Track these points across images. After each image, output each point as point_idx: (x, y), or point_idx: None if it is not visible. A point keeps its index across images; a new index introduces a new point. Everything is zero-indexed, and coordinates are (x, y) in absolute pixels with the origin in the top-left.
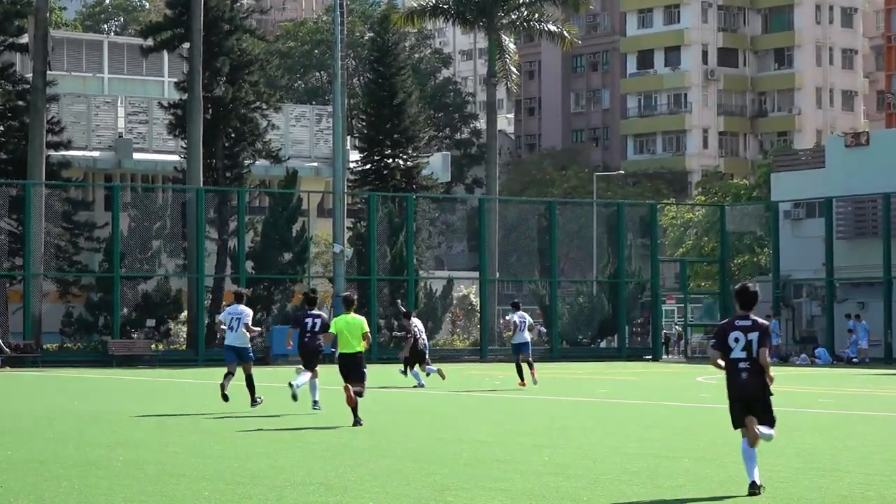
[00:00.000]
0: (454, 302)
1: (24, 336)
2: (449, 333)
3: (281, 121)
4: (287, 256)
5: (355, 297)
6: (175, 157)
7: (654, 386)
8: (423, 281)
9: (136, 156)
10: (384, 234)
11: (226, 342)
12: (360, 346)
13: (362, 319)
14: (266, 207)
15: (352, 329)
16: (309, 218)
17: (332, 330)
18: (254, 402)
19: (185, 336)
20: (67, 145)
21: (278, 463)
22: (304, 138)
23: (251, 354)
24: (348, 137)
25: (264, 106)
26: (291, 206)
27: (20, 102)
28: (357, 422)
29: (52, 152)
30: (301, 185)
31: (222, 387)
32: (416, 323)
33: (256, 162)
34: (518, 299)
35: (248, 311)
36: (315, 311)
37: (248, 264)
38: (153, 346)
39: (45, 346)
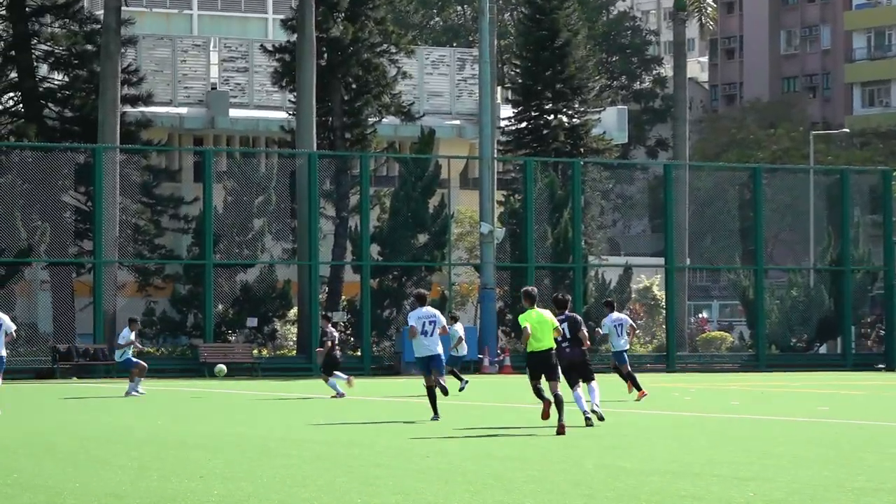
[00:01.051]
0: (633, 296)
1: (94, 339)
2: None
3: (414, 68)
4: (422, 238)
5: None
6: (281, 115)
7: (889, 403)
8: (593, 269)
9: (233, 112)
10: (544, 209)
11: (419, 352)
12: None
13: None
14: (395, 177)
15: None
16: (449, 190)
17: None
18: (436, 415)
19: (294, 339)
20: (147, 100)
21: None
22: (443, 90)
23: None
24: (499, 88)
25: (393, 49)
26: (427, 175)
27: (88, 46)
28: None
29: (128, 108)
30: (439, 149)
31: (434, 409)
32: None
33: (383, 120)
34: (611, 298)
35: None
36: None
37: (374, 249)
38: (255, 351)
39: None
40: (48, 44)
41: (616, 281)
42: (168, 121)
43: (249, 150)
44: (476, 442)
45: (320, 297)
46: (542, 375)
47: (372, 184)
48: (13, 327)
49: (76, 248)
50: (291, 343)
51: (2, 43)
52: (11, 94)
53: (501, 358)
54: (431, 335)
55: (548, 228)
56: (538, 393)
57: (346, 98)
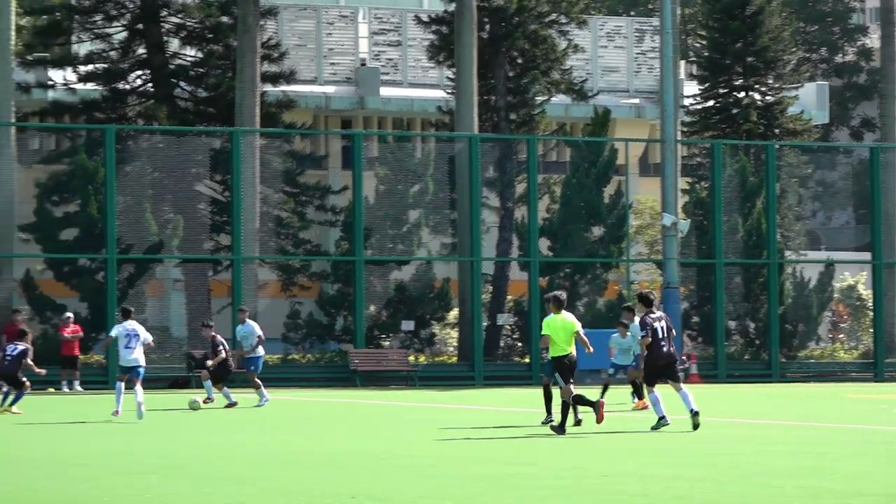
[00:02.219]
0: (836, 296)
1: (233, 344)
2: (829, 340)
3: (587, 40)
4: (597, 231)
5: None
6: (439, 93)
7: None
8: (790, 266)
9: (385, 91)
10: (734, 199)
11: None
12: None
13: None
14: (566, 163)
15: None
16: (627, 177)
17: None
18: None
19: (454, 344)
20: (289, 78)
21: None
22: (620, 65)
23: None
24: (682, 63)
25: (563, 19)
26: (602, 160)
27: (224, 18)
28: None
29: (268, 87)
30: (616, 131)
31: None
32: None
33: (552, 99)
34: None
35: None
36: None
37: (543, 243)
38: (411, 357)
39: None
40: (179, 16)
41: (816, 279)
42: (313, 101)
43: (403, 133)
44: (662, 459)
45: (483, 297)
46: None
47: (540, 170)
48: (150, 338)
49: (212, 244)
50: (451, 349)
51: (128, 15)
52: (140, 73)
53: (687, 365)
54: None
55: (738, 220)
56: (580, 400)
57: (510, 75)
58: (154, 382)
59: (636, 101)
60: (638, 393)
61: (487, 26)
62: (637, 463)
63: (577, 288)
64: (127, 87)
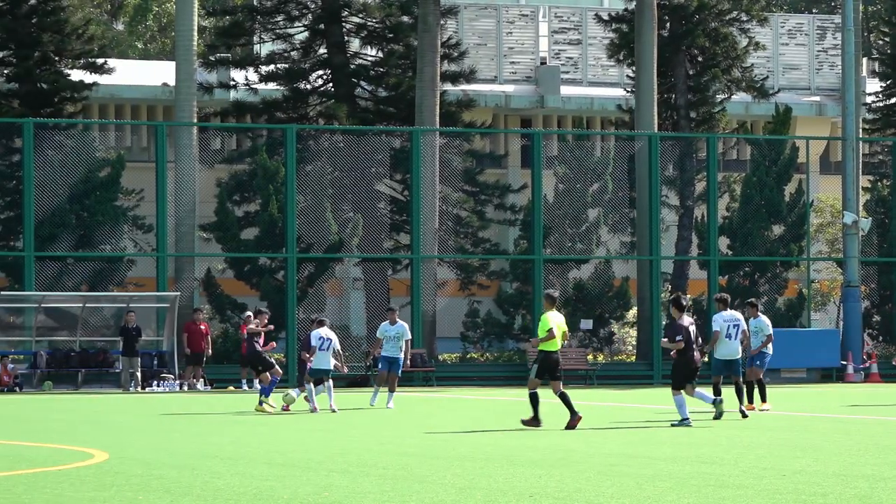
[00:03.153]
0: None
1: (412, 342)
2: None
3: (767, 38)
4: (777, 230)
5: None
6: (618, 92)
7: None
8: None
9: (565, 90)
10: None
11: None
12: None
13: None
14: (747, 161)
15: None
16: (808, 175)
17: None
18: None
19: (633, 343)
20: (469, 77)
21: None
22: (801, 62)
23: None
24: (864, 60)
25: (744, 16)
26: (783, 158)
27: (404, 18)
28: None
29: (448, 87)
30: (797, 129)
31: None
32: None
33: (733, 97)
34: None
35: None
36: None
37: (723, 241)
38: (590, 356)
39: (440, 357)
40: (360, 15)
41: None
42: (493, 100)
43: (583, 131)
44: (839, 458)
45: (662, 295)
46: (547, 375)
47: (720, 169)
48: (337, 346)
49: (392, 243)
50: (630, 348)
51: (310, 15)
52: (321, 72)
53: (868, 365)
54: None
55: None
56: (536, 399)
57: (690, 73)
58: (333, 381)
59: (817, 98)
60: (762, 394)
61: (668, 24)
62: (812, 460)
63: (757, 287)
64: (308, 86)
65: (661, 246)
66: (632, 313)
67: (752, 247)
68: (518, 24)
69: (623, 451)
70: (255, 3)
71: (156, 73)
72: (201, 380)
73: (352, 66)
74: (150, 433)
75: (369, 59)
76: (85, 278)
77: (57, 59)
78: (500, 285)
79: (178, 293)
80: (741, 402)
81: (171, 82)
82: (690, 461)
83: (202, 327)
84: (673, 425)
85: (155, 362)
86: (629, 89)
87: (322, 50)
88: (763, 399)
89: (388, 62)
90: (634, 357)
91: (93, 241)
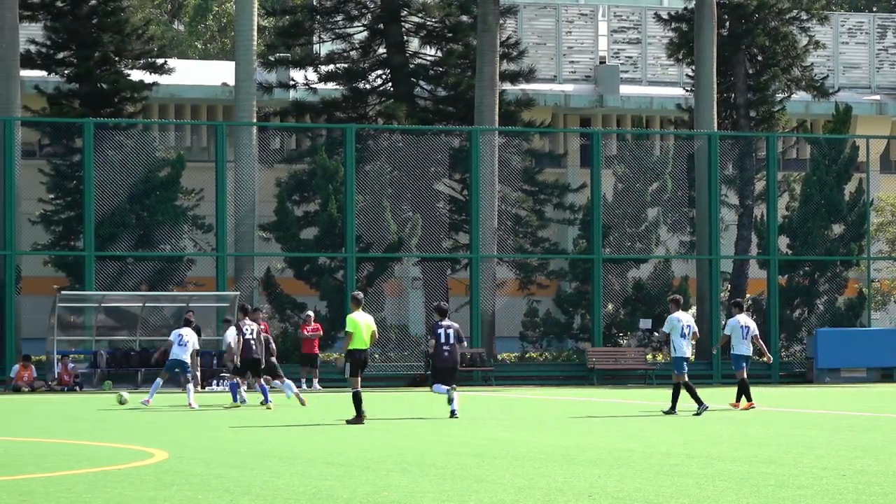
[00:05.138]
0: None
1: (471, 342)
2: None
3: (828, 36)
4: (837, 229)
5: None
6: (678, 91)
7: None
8: None
9: (624, 89)
10: None
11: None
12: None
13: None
14: (807, 160)
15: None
16: (868, 174)
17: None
18: None
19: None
20: (529, 76)
21: None
22: (861, 61)
23: None
24: None
25: (804, 15)
26: (843, 157)
27: (464, 18)
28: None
29: (507, 86)
30: (857, 128)
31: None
32: (250, 325)
33: (792, 96)
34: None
35: None
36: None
37: (782, 241)
38: (649, 356)
39: (499, 357)
40: (419, 15)
41: None
42: (552, 99)
43: (642, 131)
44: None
45: (722, 295)
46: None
47: (780, 168)
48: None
49: (451, 242)
50: None
51: (369, 15)
52: (380, 72)
53: None
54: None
55: None
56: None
57: (750, 72)
58: (393, 381)
59: (877, 97)
60: (745, 394)
61: (727, 23)
62: (873, 460)
63: (817, 286)
64: (367, 86)
65: (721, 245)
66: (691, 313)
67: (812, 246)
68: (577, 23)
69: (682, 451)
70: (314, 2)
71: (215, 73)
72: (314, 380)
73: (411, 66)
74: (209, 432)
75: (428, 58)
76: (145, 278)
77: (117, 59)
78: (560, 285)
79: (238, 293)
80: (674, 400)
81: (231, 82)
82: (749, 461)
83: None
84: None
85: (214, 362)
86: (688, 88)
87: (381, 49)
88: (745, 398)
89: (448, 62)
90: (693, 357)
91: (153, 240)
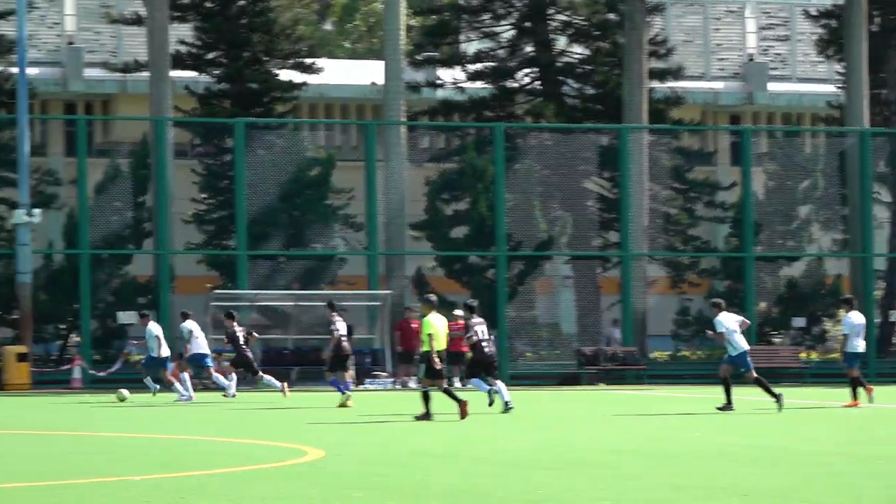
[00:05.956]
0: None
1: (622, 341)
2: None
3: None
4: None
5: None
6: (828, 88)
7: None
8: None
9: (773, 86)
10: None
11: None
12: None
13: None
14: None
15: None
16: None
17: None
18: None
19: None
20: (677, 74)
21: None
22: None
23: None
24: None
25: None
26: None
27: (610, 15)
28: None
29: (655, 84)
30: None
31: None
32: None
33: None
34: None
35: None
36: None
37: None
38: (802, 355)
39: (651, 356)
40: (566, 13)
41: None
42: (700, 97)
43: (792, 128)
44: None
45: (876, 293)
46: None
47: None
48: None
49: (601, 241)
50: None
51: (516, 13)
52: (528, 71)
53: None
54: None
55: None
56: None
57: None
58: (544, 379)
59: None
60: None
61: (877, 19)
62: None
63: None
64: (515, 85)
65: (874, 243)
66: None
67: None
68: (725, 20)
69: (839, 451)
70: (461, 1)
71: (364, 73)
72: (414, 378)
73: (558, 64)
74: (364, 431)
75: (576, 56)
76: (297, 277)
77: (266, 59)
78: (712, 283)
79: (391, 291)
80: None
81: (380, 82)
82: None
83: (414, 325)
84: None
85: (368, 360)
86: (839, 85)
87: (529, 48)
88: (853, 396)
89: (595, 60)
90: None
91: (304, 239)
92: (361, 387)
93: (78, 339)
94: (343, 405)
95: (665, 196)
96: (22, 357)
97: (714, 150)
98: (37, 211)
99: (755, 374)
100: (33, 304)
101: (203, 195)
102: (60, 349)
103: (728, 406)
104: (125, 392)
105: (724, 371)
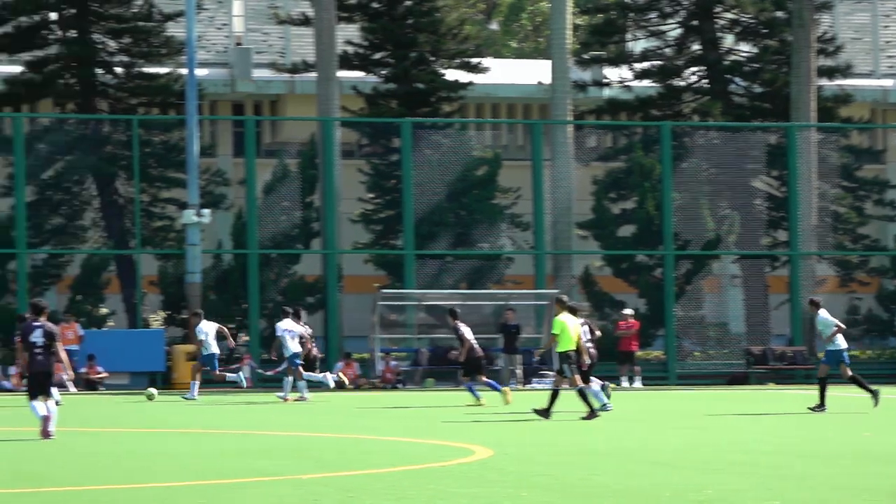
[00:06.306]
0: None
1: (790, 340)
2: None
3: None
4: None
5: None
6: None
7: None
8: None
9: None
10: None
11: None
12: None
13: None
14: None
15: None
16: None
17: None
18: None
19: None
20: (846, 72)
21: None
22: None
23: None
24: None
25: None
26: None
27: (779, 14)
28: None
29: (823, 82)
30: None
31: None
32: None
33: None
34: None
35: None
36: None
37: None
38: None
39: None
40: (733, 11)
41: None
42: (870, 95)
43: None
44: None
45: None
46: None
47: None
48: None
49: (769, 239)
50: None
51: (682, 12)
52: (695, 69)
53: None
54: None
55: None
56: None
57: None
58: (714, 378)
59: None
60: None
61: None
62: None
63: None
64: (682, 83)
65: None
66: None
67: None
68: (894, 17)
69: None
70: (627, 0)
71: (531, 72)
72: (636, 378)
73: (725, 63)
74: (531, 430)
75: (743, 54)
76: (464, 276)
77: (433, 59)
78: (881, 282)
79: (558, 291)
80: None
81: (546, 81)
82: None
83: None
84: None
85: (535, 360)
86: None
87: (696, 46)
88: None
89: (763, 58)
90: None
91: (471, 239)
92: (529, 386)
93: (247, 338)
94: (475, 404)
95: (834, 194)
96: (191, 356)
97: (883, 149)
98: (206, 211)
99: (850, 372)
100: (203, 304)
101: (370, 195)
102: (229, 349)
103: (821, 406)
104: (153, 391)
105: (822, 371)
